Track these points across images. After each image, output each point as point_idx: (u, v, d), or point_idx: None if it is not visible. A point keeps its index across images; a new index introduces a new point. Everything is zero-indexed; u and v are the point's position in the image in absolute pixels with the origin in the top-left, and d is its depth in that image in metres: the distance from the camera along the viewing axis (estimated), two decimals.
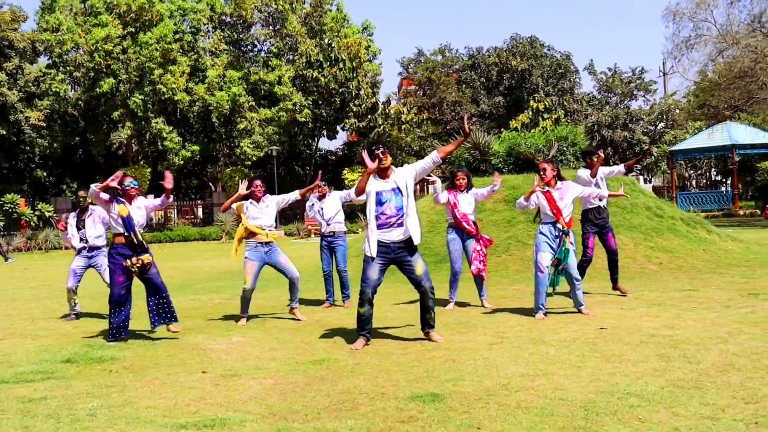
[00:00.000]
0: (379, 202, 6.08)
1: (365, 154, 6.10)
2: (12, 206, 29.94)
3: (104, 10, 33.24)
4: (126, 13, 33.25)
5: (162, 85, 33.00)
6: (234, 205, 7.79)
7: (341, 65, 36.79)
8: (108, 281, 7.25)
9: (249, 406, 4.37)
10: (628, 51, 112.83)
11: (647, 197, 13.33)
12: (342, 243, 8.89)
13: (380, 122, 36.91)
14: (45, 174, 42.53)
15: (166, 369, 5.46)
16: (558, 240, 7.19)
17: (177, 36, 34.46)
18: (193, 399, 4.56)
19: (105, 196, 6.69)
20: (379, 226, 6.07)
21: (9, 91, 34.88)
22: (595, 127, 43.33)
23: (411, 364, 5.34)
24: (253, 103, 36.92)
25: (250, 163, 37.05)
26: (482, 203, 12.31)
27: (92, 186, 6.65)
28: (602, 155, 8.44)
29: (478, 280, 8.22)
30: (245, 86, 36.51)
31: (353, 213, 32.33)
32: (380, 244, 6.08)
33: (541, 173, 7.34)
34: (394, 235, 6.08)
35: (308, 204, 9.03)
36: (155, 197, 7.11)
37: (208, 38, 39.40)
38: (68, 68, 34.17)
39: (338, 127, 40.38)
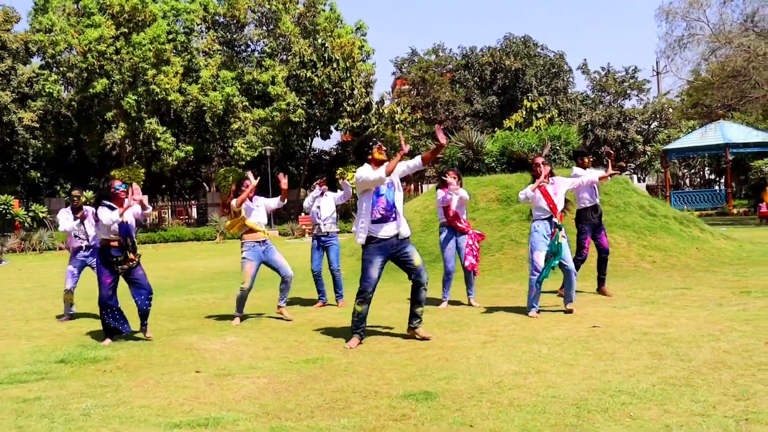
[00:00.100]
0: (378, 195, 6.11)
1: (439, 130, 6.01)
2: (6, 207, 29.84)
3: (97, 10, 33.15)
4: (119, 14, 33.16)
5: (155, 85, 32.94)
6: (234, 203, 7.73)
7: (335, 65, 36.78)
8: None
9: (243, 405, 4.38)
10: (621, 50, 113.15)
11: (640, 196, 13.38)
12: (335, 243, 8.92)
13: (374, 122, 36.92)
14: (39, 175, 42.42)
15: (160, 369, 5.47)
16: (551, 235, 7.22)
17: (170, 36, 34.40)
18: (187, 398, 4.57)
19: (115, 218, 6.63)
20: (375, 221, 6.09)
21: (2, 92, 34.79)
22: (589, 126, 43.42)
23: (404, 362, 5.36)
24: (247, 103, 36.89)
25: (244, 163, 36.99)
26: (475, 202, 12.35)
27: (113, 217, 6.60)
28: (591, 159, 8.48)
29: (469, 276, 8.24)
30: (239, 86, 36.48)
31: (347, 213, 32.33)
32: (377, 240, 6.10)
33: (538, 168, 7.35)
34: (390, 229, 6.11)
35: (313, 194, 8.96)
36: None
37: (202, 38, 39.34)
38: (61, 69, 34.08)
39: (332, 127, 40.38)
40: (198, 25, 38.15)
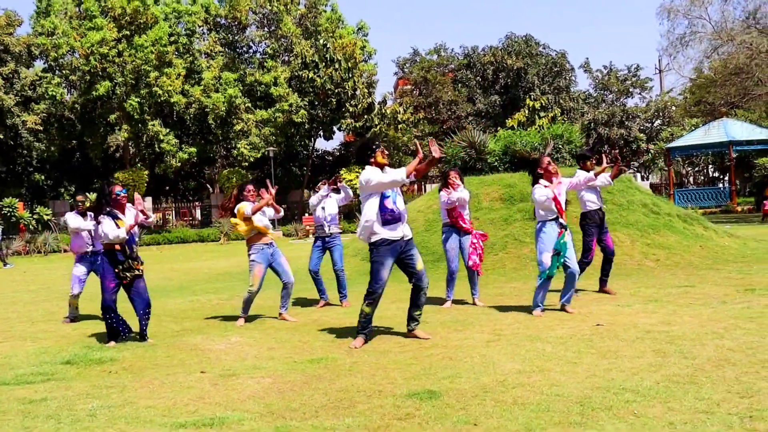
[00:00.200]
0: (385, 198, 6.13)
1: (433, 143, 6.04)
2: (10, 210, 29.92)
3: (99, 13, 33.23)
4: (121, 16, 33.23)
5: (158, 87, 33.01)
6: (247, 210, 7.69)
7: (337, 66, 36.82)
8: None
9: (247, 405, 4.40)
10: (623, 49, 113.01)
11: (643, 194, 13.37)
12: (339, 243, 8.96)
13: (377, 122, 36.95)
14: (43, 177, 42.49)
15: (165, 369, 5.49)
16: (558, 235, 7.24)
17: (172, 38, 34.48)
18: (192, 398, 4.59)
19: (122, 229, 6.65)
20: (386, 222, 6.11)
21: (5, 96, 34.86)
22: (592, 125, 43.42)
23: (408, 362, 5.37)
24: (250, 105, 36.95)
25: (247, 164, 37.07)
26: (478, 201, 12.36)
27: (120, 234, 6.62)
28: (595, 160, 8.47)
29: (472, 275, 8.25)
30: (241, 88, 36.53)
31: (351, 213, 32.35)
32: (388, 242, 6.11)
33: (549, 167, 7.34)
34: (398, 231, 6.15)
35: (320, 194, 8.96)
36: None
37: (203, 40, 39.40)
38: (64, 72, 34.19)
39: (335, 128, 40.41)
40: (200, 27, 38.23)
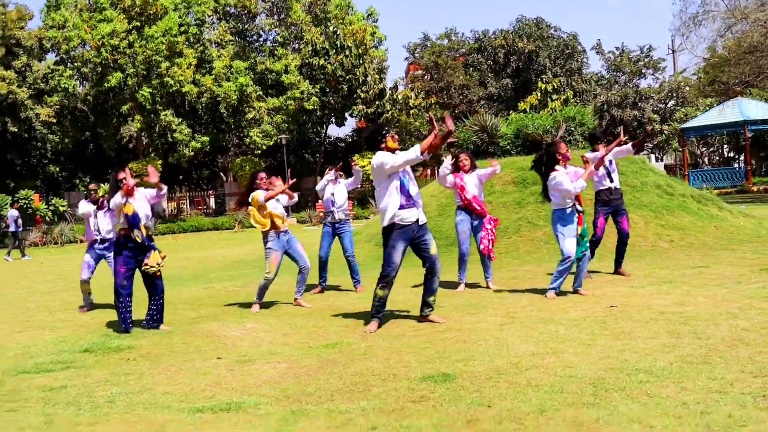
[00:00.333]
0: (402, 183, 6.15)
1: (449, 117, 5.97)
2: (26, 202, 30.20)
3: (109, 5, 33.27)
4: (131, 8, 33.28)
5: (169, 77, 33.08)
6: (260, 198, 7.73)
7: (347, 52, 36.74)
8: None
9: (263, 389, 4.45)
10: (635, 31, 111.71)
11: (657, 175, 13.30)
12: (349, 229, 9.04)
13: (388, 108, 36.89)
14: (57, 169, 42.87)
15: (181, 356, 5.56)
16: (577, 221, 7.26)
17: (182, 28, 34.48)
18: (209, 384, 4.65)
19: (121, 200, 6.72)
20: (402, 206, 6.12)
21: (19, 89, 35.12)
22: (605, 106, 43.10)
23: (422, 345, 5.41)
24: (261, 93, 36.96)
25: (260, 152, 37.16)
26: (491, 185, 12.34)
27: (116, 199, 6.70)
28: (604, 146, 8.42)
29: (484, 259, 8.26)
30: (252, 76, 36.55)
31: (364, 198, 32.39)
32: (401, 226, 6.13)
33: (566, 154, 7.32)
34: (413, 215, 6.17)
35: (327, 178, 9.00)
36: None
37: (214, 30, 39.41)
38: (76, 64, 34.35)
39: (346, 114, 40.40)
40: (209, 16, 38.20)
